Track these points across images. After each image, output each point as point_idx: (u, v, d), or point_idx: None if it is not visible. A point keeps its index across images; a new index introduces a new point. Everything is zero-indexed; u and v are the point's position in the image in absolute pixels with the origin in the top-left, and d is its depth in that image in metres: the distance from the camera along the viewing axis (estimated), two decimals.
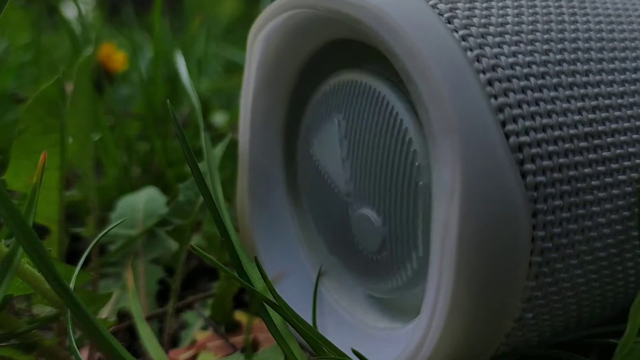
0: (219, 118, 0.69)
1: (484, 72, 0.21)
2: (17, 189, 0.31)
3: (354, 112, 0.27)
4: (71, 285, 0.24)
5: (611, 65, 0.24)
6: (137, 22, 0.97)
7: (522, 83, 0.22)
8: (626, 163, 0.23)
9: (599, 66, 0.24)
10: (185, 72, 0.49)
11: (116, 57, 0.63)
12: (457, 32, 0.22)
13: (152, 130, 0.54)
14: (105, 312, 0.34)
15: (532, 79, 0.22)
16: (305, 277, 0.31)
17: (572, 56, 0.23)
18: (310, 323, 0.28)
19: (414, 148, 0.24)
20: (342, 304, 0.30)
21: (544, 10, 0.24)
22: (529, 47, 0.23)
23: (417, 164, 0.24)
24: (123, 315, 0.36)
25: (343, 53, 0.28)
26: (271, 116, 0.31)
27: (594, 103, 0.23)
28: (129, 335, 0.35)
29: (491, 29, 0.23)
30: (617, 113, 0.23)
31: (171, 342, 0.34)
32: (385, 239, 0.26)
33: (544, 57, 0.23)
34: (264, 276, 0.26)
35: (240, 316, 0.35)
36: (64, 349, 0.28)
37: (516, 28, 0.23)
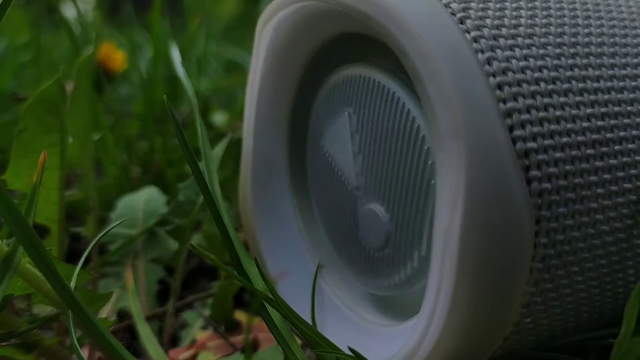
0: (219, 117, 0.69)
1: (494, 76, 0.21)
2: (17, 188, 0.31)
3: (366, 107, 0.26)
4: (71, 285, 0.24)
5: (623, 72, 0.24)
6: (137, 21, 0.97)
7: (532, 88, 0.22)
8: (632, 171, 0.23)
9: (610, 72, 0.24)
10: (180, 65, 0.49)
11: (116, 56, 0.63)
12: (469, 33, 0.22)
13: (152, 129, 0.54)
14: (105, 312, 0.34)
15: (542, 84, 0.22)
16: (306, 270, 0.31)
17: (584, 61, 0.23)
18: (310, 318, 0.27)
19: (427, 146, 0.24)
20: (343, 299, 0.30)
21: (558, 13, 0.24)
22: (541, 51, 0.22)
23: (430, 162, 0.24)
24: (123, 315, 0.36)
25: (353, 45, 0.28)
26: (277, 104, 0.31)
27: (603, 110, 0.23)
28: (129, 335, 0.35)
29: (504, 30, 0.22)
30: (626, 120, 0.23)
31: (171, 341, 0.34)
32: (389, 235, 0.26)
33: (555, 62, 0.22)
34: (263, 275, 0.26)
35: (240, 316, 0.35)
36: (64, 348, 0.28)
37: (529, 30, 0.23)
